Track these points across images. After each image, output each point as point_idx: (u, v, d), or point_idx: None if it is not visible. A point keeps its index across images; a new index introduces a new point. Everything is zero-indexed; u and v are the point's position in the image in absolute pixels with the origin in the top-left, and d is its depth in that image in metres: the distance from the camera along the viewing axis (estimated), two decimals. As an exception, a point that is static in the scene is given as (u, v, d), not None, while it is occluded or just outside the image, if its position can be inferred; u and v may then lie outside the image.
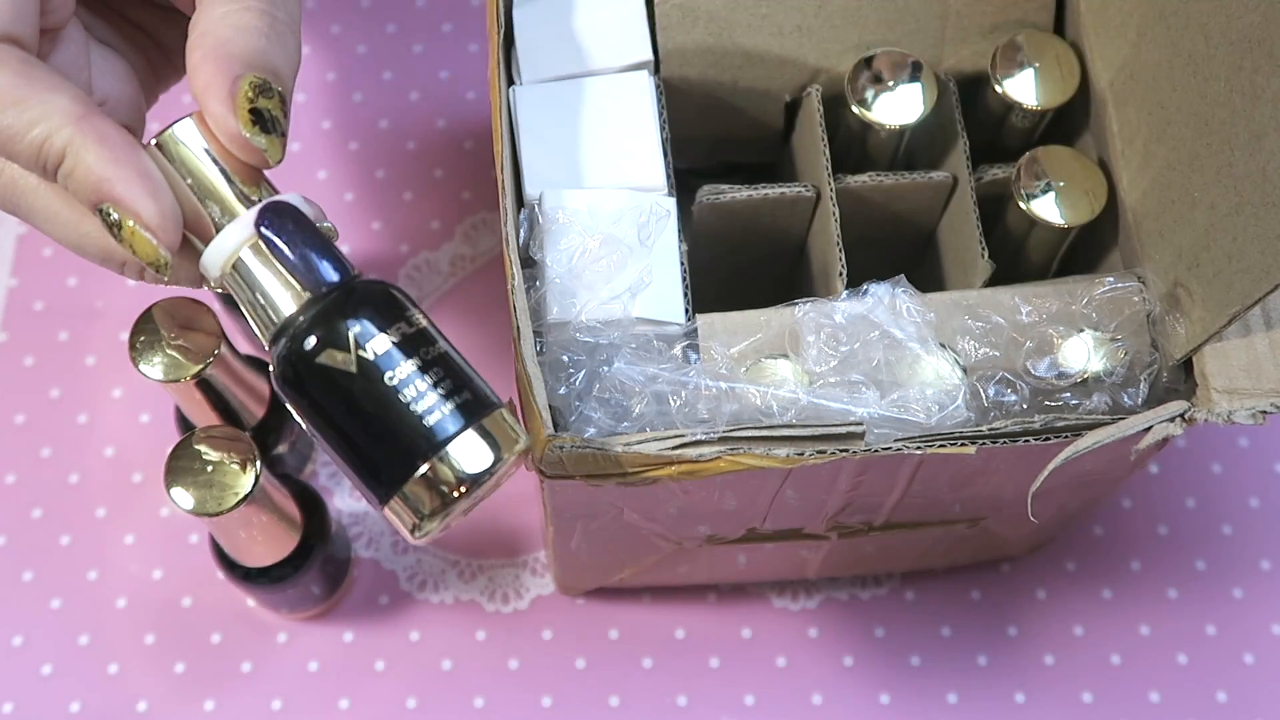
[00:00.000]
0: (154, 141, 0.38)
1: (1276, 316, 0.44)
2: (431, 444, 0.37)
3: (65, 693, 0.61)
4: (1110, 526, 0.65)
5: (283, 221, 0.38)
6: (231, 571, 0.57)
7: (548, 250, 0.46)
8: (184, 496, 0.50)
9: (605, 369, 0.45)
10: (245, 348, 0.65)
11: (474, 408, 0.38)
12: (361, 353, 0.37)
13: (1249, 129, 0.41)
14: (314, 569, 0.58)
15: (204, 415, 0.57)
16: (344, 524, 0.64)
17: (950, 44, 0.54)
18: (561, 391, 0.45)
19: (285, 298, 0.38)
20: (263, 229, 0.38)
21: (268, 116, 0.38)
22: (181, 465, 0.50)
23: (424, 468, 0.37)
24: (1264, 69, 0.40)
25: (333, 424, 0.38)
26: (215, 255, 0.39)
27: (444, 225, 0.70)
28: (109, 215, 0.37)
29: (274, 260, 0.38)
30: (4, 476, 0.65)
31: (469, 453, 0.37)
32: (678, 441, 0.42)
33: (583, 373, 0.45)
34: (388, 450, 0.37)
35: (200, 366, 0.52)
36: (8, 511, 0.64)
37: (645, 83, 0.50)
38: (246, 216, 0.38)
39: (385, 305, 0.38)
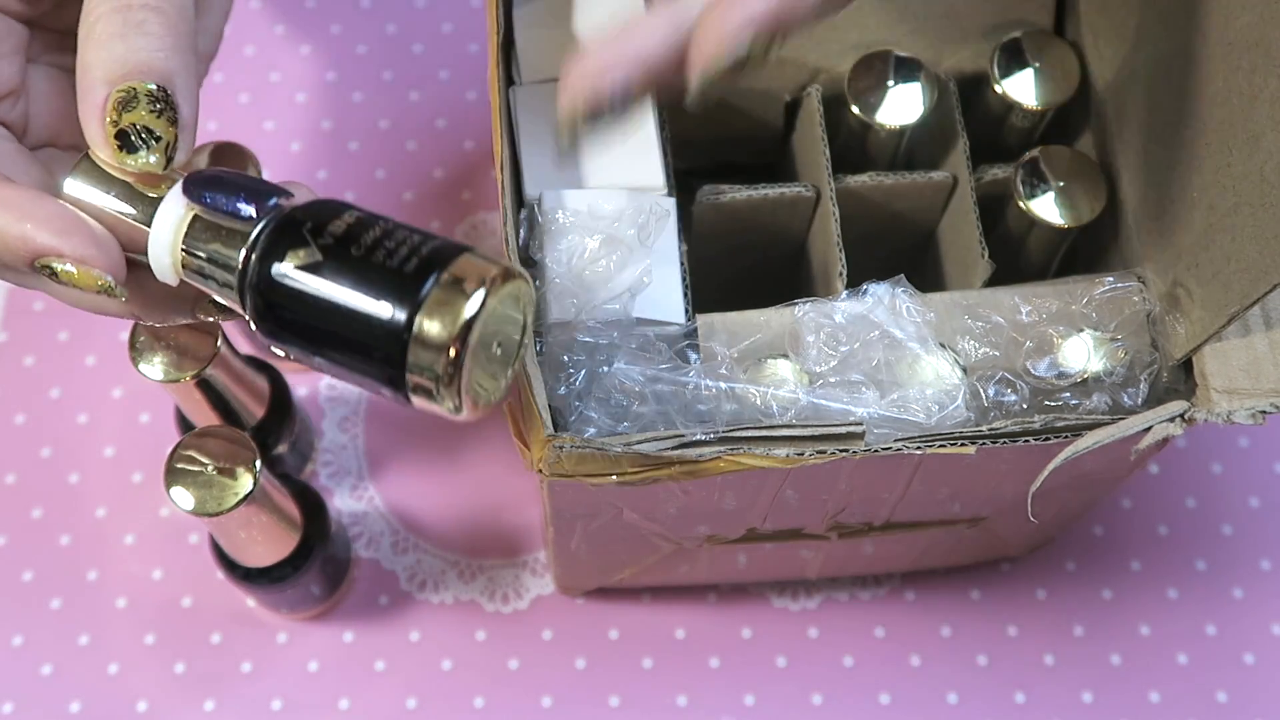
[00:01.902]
0: (65, 181, 0.39)
1: (1276, 316, 0.44)
2: (411, 303, 0.35)
3: (65, 693, 0.61)
4: (1110, 526, 0.65)
5: (205, 176, 0.38)
6: (231, 571, 0.57)
7: (548, 250, 0.46)
8: (184, 496, 0.50)
9: (605, 369, 0.45)
10: (245, 348, 0.65)
11: (439, 258, 0.36)
12: (321, 239, 0.37)
13: (1246, 129, 0.41)
14: (314, 569, 0.58)
15: (204, 415, 0.57)
16: (344, 524, 0.64)
17: (950, 44, 0.54)
18: (561, 391, 0.45)
19: (237, 240, 0.38)
20: (189, 189, 0.38)
21: (133, 132, 0.37)
22: (181, 465, 0.50)
23: (413, 331, 0.35)
24: (1261, 69, 0.40)
25: (320, 332, 0.37)
26: (160, 246, 0.38)
27: (444, 225, 0.70)
28: (43, 268, 0.37)
29: (216, 211, 0.38)
30: (4, 476, 0.65)
31: (447, 302, 0.35)
32: (678, 441, 0.42)
33: (583, 373, 0.45)
34: (377, 332, 0.35)
35: (200, 366, 0.52)
36: (8, 511, 0.64)
37: (645, 83, 0.50)
38: (172, 193, 0.38)
39: (329, 207, 0.38)
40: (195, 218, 0.38)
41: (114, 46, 0.37)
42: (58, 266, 0.37)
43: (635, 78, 0.38)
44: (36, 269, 0.38)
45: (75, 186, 0.39)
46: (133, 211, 0.39)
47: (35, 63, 0.43)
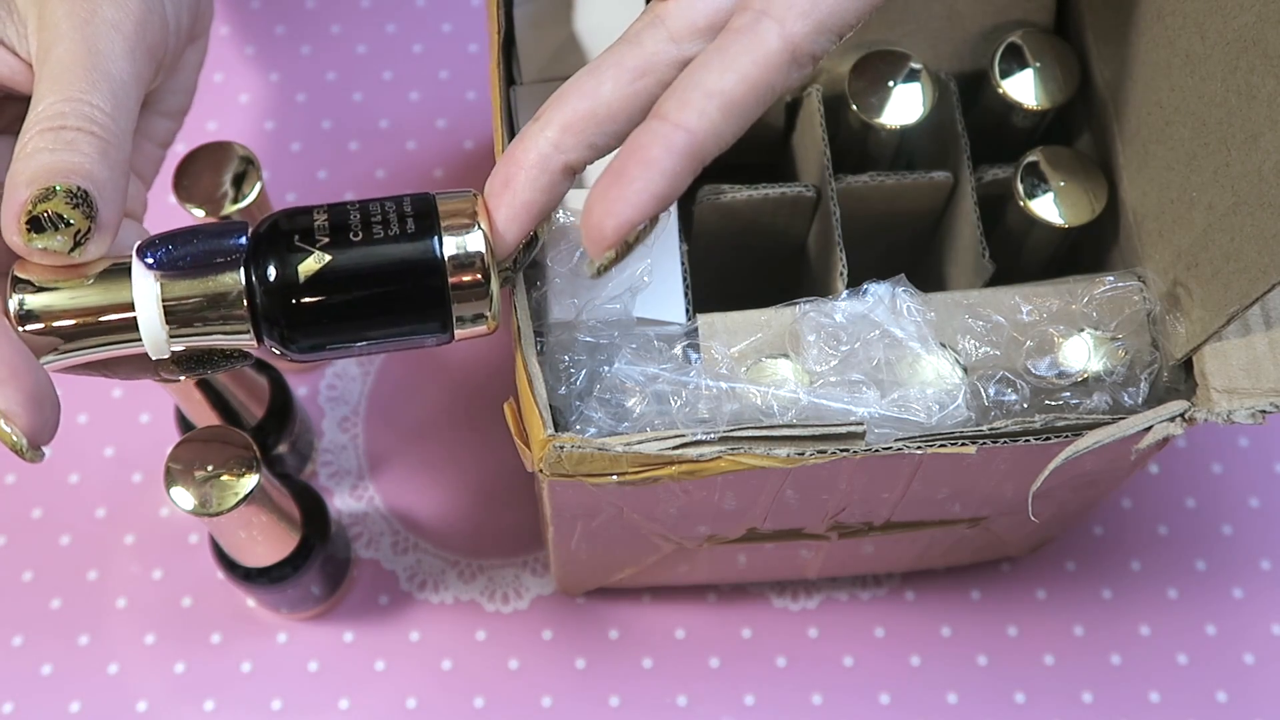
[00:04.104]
0: (10, 313, 0.39)
1: (1276, 316, 0.44)
2: (435, 258, 0.39)
3: (65, 693, 0.61)
4: (1110, 526, 0.65)
5: (155, 241, 0.39)
6: (231, 571, 0.57)
7: (548, 250, 0.46)
8: (184, 496, 0.50)
9: (605, 369, 0.45)
10: (245, 348, 0.65)
11: (427, 213, 0.39)
12: (318, 242, 0.38)
13: (1245, 129, 0.41)
14: (314, 569, 0.58)
15: (204, 415, 0.57)
16: (344, 524, 0.64)
17: (950, 44, 0.54)
18: (561, 391, 0.45)
19: (227, 281, 0.38)
20: (149, 260, 0.38)
21: (46, 219, 0.38)
22: (181, 465, 0.50)
23: (450, 288, 0.39)
24: (1259, 69, 0.40)
25: (359, 324, 0.39)
26: (151, 334, 0.39)
27: (444, 225, 0.70)
28: None
29: (188, 271, 0.38)
30: (4, 476, 0.65)
31: (458, 245, 0.39)
32: (678, 441, 0.42)
33: (583, 373, 0.45)
34: (409, 298, 0.39)
35: (200, 366, 0.52)
36: (8, 511, 0.64)
37: (645, 83, 0.50)
38: (136, 273, 0.39)
39: (295, 213, 0.39)
40: (164, 284, 0.38)
41: (41, 157, 0.38)
42: None
43: (658, 208, 0.38)
44: None
45: (16, 304, 0.39)
46: (84, 304, 0.39)
47: (4, 134, 0.44)
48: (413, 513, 0.65)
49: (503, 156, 0.40)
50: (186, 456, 0.51)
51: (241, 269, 0.38)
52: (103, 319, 0.39)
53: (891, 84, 0.52)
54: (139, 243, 0.39)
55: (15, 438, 0.38)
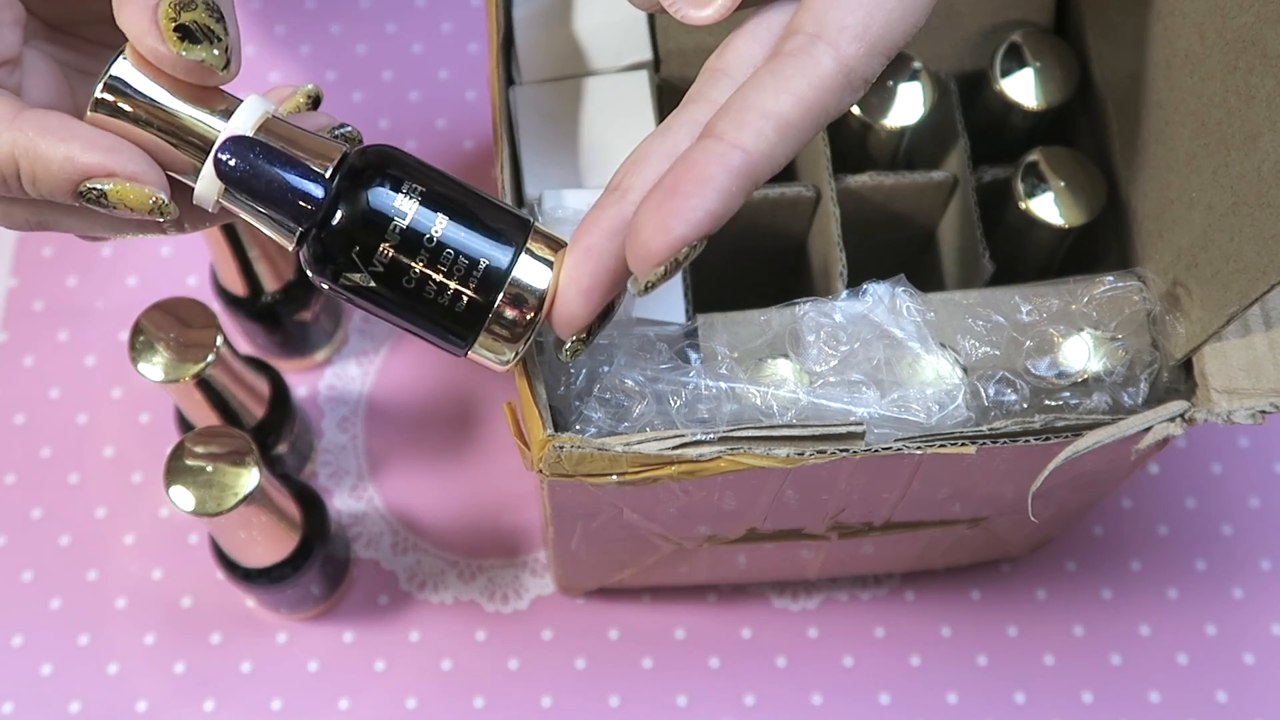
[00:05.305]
0: (94, 98, 0.38)
1: (1275, 316, 0.44)
2: (494, 283, 0.38)
3: (65, 693, 0.61)
4: (1110, 526, 0.65)
5: (239, 152, 0.38)
6: (231, 571, 0.57)
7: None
8: (184, 496, 0.50)
9: (605, 369, 0.45)
10: (245, 348, 0.65)
11: (514, 233, 0.39)
12: (371, 267, 0.38)
13: (1244, 129, 0.41)
14: (314, 569, 0.58)
15: (204, 415, 0.57)
16: (344, 524, 0.64)
17: (950, 44, 0.54)
18: (561, 391, 0.45)
19: (292, 210, 0.38)
20: (223, 159, 0.37)
21: (195, 28, 0.36)
22: (181, 465, 0.50)
23: (495, 307, 0.38)
24: (1258, 69, 0.40)
25: (391, 303, 0.38)
26: (205, 194, 0.38)
27: (444, 225, 0.70)
28: (90, 191, 0.37)
29: (255, 193, 0.38)
30: (4, 476, 0.65)
31: (528, 276, 0.38)
32: (678, 441, 0.42)
33: (583, 373, 0.45)
34: (454, 304, 0.38)
35: (200, 366, 0.52)
36: (8, 511, 0.64)
37: (645, 83, 0.50)
38: (207, 171, 0.38)
39: (389, 163, 0.38)
40: (229, 189, 0.38)
41: None
42: (107, 187, 0.37)
43: (711, 228, 0.37)
44: (82, 193, 0.37)
45: (117, 69, 0.37)
46: (171, 116, 0.38)
47: (27, 44, 0.43)
48: (413, 513, 0.65)
49: (583, 226, 0.39)
50: (186, 456, 0.51)
51: (311, 204, 0.38)
52: (174, 139, 0.38)
53: (892, 84, 0.52)
54: (222, 138, 0.38)
55: (154, 195, 0.37)
